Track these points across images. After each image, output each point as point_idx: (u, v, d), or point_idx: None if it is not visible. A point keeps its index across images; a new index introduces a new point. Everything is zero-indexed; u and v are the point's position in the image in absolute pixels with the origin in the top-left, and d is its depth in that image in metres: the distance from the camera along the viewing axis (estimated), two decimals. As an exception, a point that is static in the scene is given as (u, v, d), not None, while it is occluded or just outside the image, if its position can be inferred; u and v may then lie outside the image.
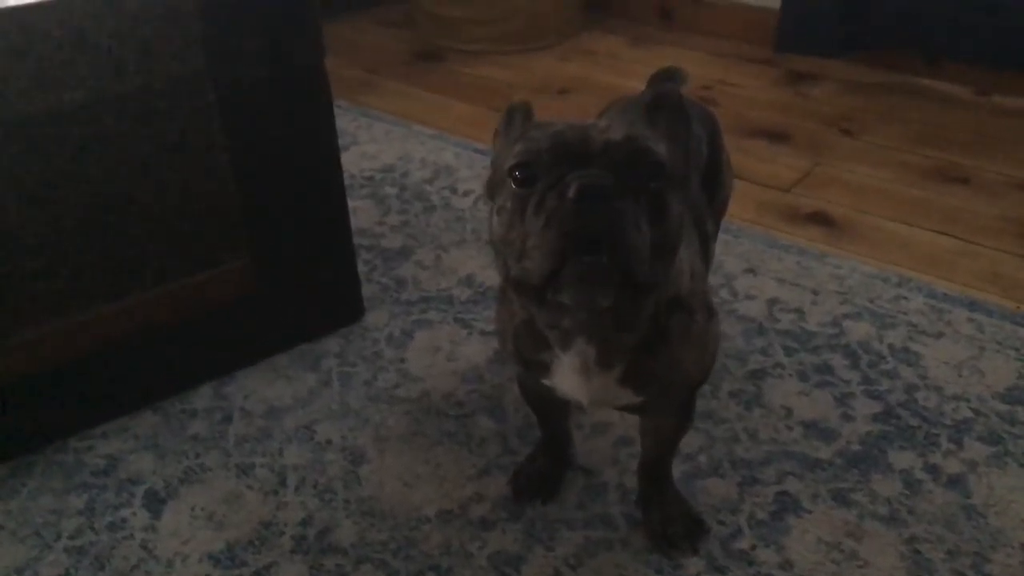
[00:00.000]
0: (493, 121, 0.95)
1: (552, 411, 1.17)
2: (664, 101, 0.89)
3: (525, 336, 0.93)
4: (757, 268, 1.65)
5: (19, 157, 1.12)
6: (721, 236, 1.71)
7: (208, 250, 1.32)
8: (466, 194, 1.92)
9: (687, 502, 1.18)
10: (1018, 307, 1.53)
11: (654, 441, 1.11)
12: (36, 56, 1.07)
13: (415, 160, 2.07)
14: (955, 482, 1.21)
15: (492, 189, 0.87)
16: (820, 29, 2.48)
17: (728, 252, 1.69)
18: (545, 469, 1.22)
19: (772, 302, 1.56)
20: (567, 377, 0.93)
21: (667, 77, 1.34)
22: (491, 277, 1.63)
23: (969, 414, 1.31)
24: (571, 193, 0.72)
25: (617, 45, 2.75)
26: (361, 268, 1.59)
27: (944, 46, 2.34)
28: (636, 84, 1.58)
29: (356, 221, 1.64)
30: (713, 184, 1.22)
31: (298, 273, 1.43)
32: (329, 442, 1.31)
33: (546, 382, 0.97)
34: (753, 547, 1.13)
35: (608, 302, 0.77)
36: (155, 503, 1.22)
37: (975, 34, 2.26)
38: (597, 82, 2.49)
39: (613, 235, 0.73)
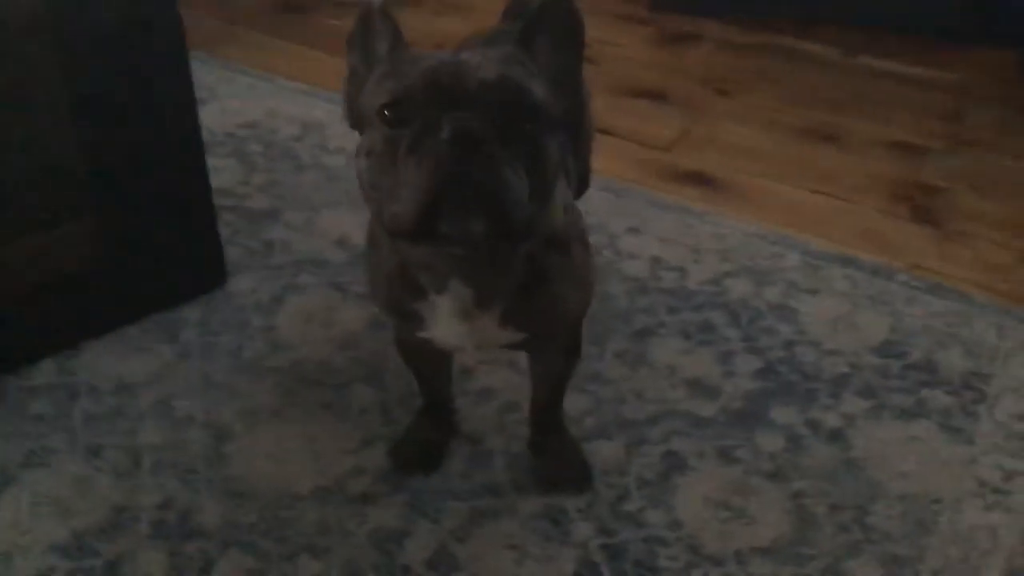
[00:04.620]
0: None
1: (432, 370, 1.14)
2: (553, 12, 0.83)
3: (397, 282, 0.92)
4: (640, 227, 1.63)
5: None
6: (604, 195, 1.70)
7: (48, 211, 1.25)
8: (338, 151, 1.84)
9: (578, 445, 1.18)
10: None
11: (544, 381, 1.11)
12: None
13: (282, 116, 1.97)
14: (835, 436, 1.23)
15: (355, 117, 0.85)
16: (696, -11, 2.49)
17: (611, 211, 1.67)
18: (428, 438, 1.19)
19: (655, 261, 1.55)
20: (445, 323, 0.91)
21: (522, 3, 1.29)
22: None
23: (846, 369, 1.34)
24: (445, 136, 0.71)
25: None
26: (224, 231, 1.51)
27: (815, 7, 2.39)
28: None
29: (218, 180, 1.55)
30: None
31: (151, 236, 1.37)
32: (190, 419, 1.25)
33: (423, 334, 0.95)
34: (642, 509, 1.13)
35: (483, 245, 0.77)
36: (-10, 492, 1.13)
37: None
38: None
39: (488, 181, 0.72)
